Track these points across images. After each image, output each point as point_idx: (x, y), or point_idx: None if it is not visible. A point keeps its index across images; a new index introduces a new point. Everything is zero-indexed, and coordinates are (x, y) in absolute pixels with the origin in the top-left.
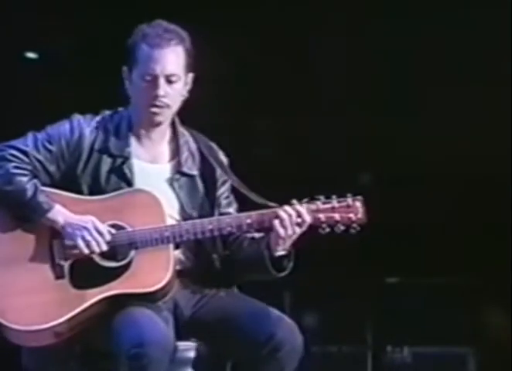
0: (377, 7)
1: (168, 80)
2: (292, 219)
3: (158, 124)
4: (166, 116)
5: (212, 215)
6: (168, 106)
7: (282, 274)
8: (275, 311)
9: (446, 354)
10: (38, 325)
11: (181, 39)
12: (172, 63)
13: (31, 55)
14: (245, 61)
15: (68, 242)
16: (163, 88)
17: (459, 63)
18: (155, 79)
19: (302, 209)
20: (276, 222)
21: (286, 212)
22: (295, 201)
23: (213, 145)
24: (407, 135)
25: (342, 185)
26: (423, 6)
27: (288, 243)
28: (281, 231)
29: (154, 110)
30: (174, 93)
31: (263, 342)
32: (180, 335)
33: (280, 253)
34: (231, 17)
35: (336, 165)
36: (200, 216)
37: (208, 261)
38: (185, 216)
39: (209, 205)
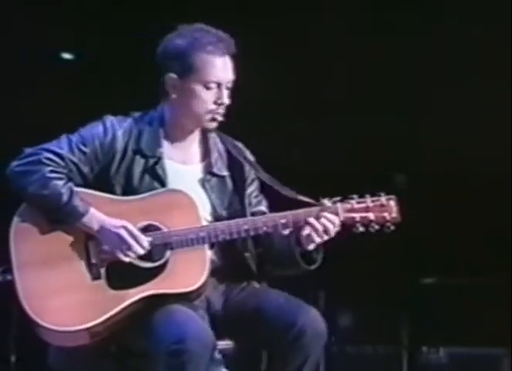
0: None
1: (227, 87)
2: (327, 225)
3: (212, 130)
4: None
5: (242, 214)
6: (224, 108)
7: (313, 267)
8: (297, 300)
9: (482, 354)
10: (75, 326)
11: (232, 47)
12: (231, 71)
13: (66, 55)
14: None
15: (104, 247)
16: (227, 96)
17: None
18: (218, 87)
19: (332, 216)
20: (310, 229)
21: (317, 220)
22: (326, 201)
23: (240, 145)
24: (443, 135)
25: (376, 186)
26: None
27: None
28: (315, 236)
29: (217, 117)
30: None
31: (286, 329)
32: (215, 334)
33: (311, 247)
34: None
35: (372, 165)
36: (231, 216)
37: (240, 260)
38: (216, 216)
39: (239, 204)
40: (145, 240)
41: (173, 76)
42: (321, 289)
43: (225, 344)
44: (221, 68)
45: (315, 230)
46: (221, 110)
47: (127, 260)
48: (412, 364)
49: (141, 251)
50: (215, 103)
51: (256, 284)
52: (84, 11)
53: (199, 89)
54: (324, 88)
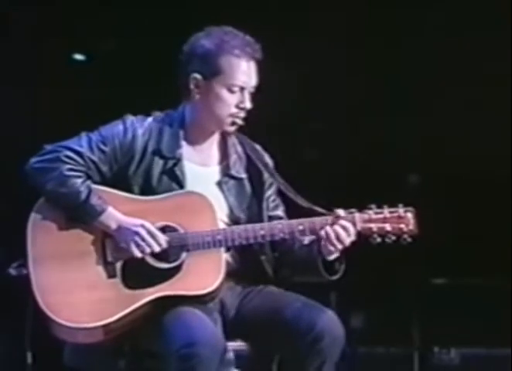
0: None
1: (249, 92)
2: (340, 233)
3: (231, 133)
4: None
5: (259, 217)
6: (245, 112)
7: (335, 277)
8: (316, 304)
9: (494, 355)
10: (89, 323)
11: (258, 52)
12: (256, 76)
13: (79, 56)
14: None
15: (121, 245)
16: (249, 100)
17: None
18: (242, 91)
19: (348, 223)
20: (323, 237)
21: (331, 227)
22: (341, 211)
23: (258, 147)
24: (455, 135)
25: (391, 186)
26: None
27: (340, 249)
28: (329, 246)
29: (237, 120)
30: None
31: (303, 332)
32: (228, 335)
33: (332, 257)
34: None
35: (385, 166)
36: (248, 219)
37: (256, 263)
38: (233, 219)
39: (257, 207)
40: (163, 239)
41: (198, 76)
42: (332, 290)
43: (237, 345)
44: (247, 72)
45: (328, 236)
46: (242, 114)
47: (141, 256)
48: (424, 365)
49: (158, 248)
50: (237, 106)
51: (272, 287)
52: (97, 11)
53: (222, 91)
54: (339, 89)
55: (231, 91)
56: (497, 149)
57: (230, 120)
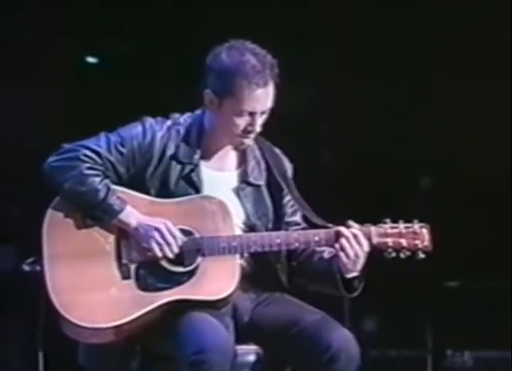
0: None
1: (262, 113)
2: (351, 241)
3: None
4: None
5: (276, 225)
6: (256, 134)
7: (354, 295)
8: (332, 320)
9: (507, 358)
10: (101, 323)
11: (275, 73)
12: (270, 100)
13: (91, 59)
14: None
15: (140, 244)
16: (259, 123)
17: None
18: (252, 115)
19: (357, 231)
20: (336, 246)
21: (343, 234)
22: (352, 222)
23: (278, 151)
24: (470, 136)
25: (403, 189)
26: None
27: (358, 265)
28: (343, 256)
29: (247, 141)
30: (262, 121)
31: (320, 351)
32: (240, 339)
33: (352, 275)
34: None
35: (398, 168)
36: (264, 226)
37: (270, 269)
38: (249, 225)
39: (274, 214)
40: (181, 240)
41: (211, 92)
42: None
43: (250, 348)
44: (259, 99)
45: (347, 239)
46: (252, 135)
47: (160, 255)
48: (437, 368)
49: (177, 250)
50: (244, 130)
51: (289, 297)
52: (108, 14)
53: (232, 113)
54: (352, 92)
55: (240, 115)
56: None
57: (238, 140)
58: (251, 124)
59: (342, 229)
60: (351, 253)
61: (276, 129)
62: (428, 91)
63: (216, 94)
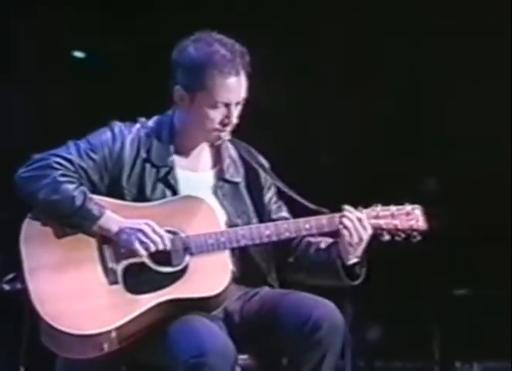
0: None
1: (237, 104)
2: (355, 223)
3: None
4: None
5: (258, 222)
6: (233, 126)
7: (357, 282)
8: (313, 296)
9: None
10: (93, 330)
11: (246, 61)
12: (243, 90)
13: (78, 54)
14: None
15: (123, 249)
16: (235, 114)
17: None
18: (227, 106)
19: (362, 214)
20: (341, 228)
21: (348, 217)
22: (347, 206)
23: (253, 150)
24: (475, 137)
25: (406, 191)
26: None
27: (359, 250)
28: (348, 238)
29: (223, 134)
30: (238, 113)
31: (301, 324)
32: (234, 341)
33: (352, 261)
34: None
35: (401, 169)
36: (245, 224)
37: (256, 270)
38: (230, 225)
39: (256, 212)
40: (168, 239)
41: (181, 88)
42: (348, 301)
43: (244, 358)
44: (232, 89)
45: (346, 228)
46: (228, 128)
47: (146, 254)
48: None
49: (162, 247)
50: (221, 122)
51: (266, 288)
52: (97, 10)
53: (205, 107)
54: (352, 93)
55: (216, 107)
56: None
57: (215, 134)
58: (227, 115)
59: (347, 213)
60: (355, 237)
61: (276, 129)
62: (428, 91)
63: (186, 90)
